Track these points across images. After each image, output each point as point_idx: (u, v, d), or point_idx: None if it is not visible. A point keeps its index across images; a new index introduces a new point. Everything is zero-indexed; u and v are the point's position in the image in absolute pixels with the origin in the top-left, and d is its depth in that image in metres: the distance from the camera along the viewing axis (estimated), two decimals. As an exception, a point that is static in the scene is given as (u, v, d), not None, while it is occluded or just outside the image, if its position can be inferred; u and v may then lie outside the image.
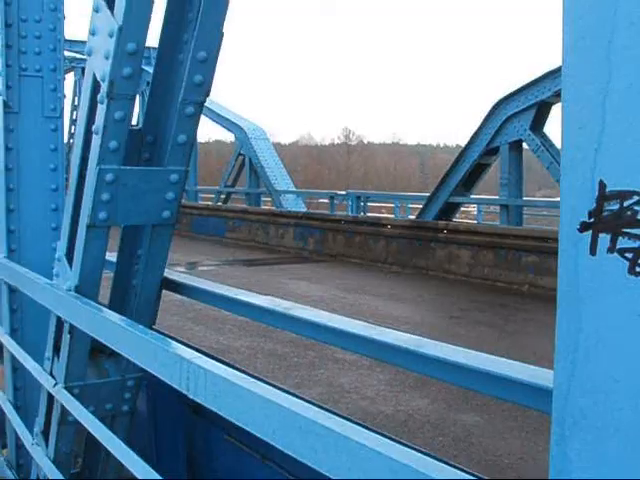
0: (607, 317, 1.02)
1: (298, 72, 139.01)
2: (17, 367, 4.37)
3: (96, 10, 2.81)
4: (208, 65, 2.80)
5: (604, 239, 1.02)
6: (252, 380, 1.81)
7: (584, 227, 1.05)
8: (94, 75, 2.83)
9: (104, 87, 2.70)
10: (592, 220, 1.04)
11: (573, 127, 1.06)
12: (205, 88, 2.83)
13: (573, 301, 1.06)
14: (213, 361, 2.00)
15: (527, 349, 6.22)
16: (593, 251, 1.03)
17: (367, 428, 1.48)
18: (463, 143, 14.26)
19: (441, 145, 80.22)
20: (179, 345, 2.23)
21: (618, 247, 1.01)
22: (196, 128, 2.92)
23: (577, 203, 1.05)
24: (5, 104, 4.34)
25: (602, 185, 1.02)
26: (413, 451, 1.34)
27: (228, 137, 35.42)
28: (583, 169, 1.04)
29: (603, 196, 1.02)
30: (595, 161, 1.03)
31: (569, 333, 1.08)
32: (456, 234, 11.81)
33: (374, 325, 2.58)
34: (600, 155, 1.02)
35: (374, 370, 5.45)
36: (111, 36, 2.65)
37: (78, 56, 23.25)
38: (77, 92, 26.58)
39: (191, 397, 1.98)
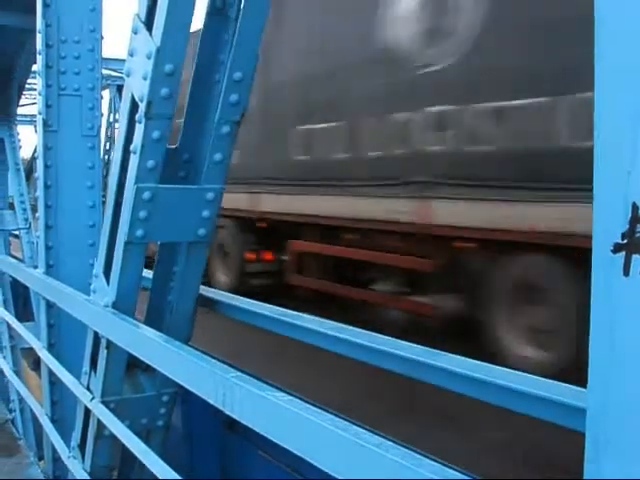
0: (640, 338, 1.03)
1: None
2: (54, 381, 4.42)
3: (135, 32, 2.87)
4: (244, 85, 2.85)
5: (637, 260, 1.03)
6: (288, 397, 1.83)
7: (617, 249, 1.06)
8: (132, 96, 2.89)
9: (142, 107, 2.75)
10: (625, 242, 1.05)
11: (605, 150, 1.08)
12: (241, 107, 2.88)
13: (606, 322, 1.07)
14: (249, 377, 2.03)
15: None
16: (626, 272, 1.04)
17: (408, 447, 1.49)
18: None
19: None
20: (215, 361, 2.26)
21: (651, 268, 1.02)
22: (232, 147, 2.96)
23: (610, 225, 1.06)
24: (45, 123, 4.42)
25: (635, 207, 1.03)
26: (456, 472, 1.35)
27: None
28: (615, 191, 1.05)
29: (636, 218, 1.03)
30: (628, 184, 1.04)
31: (603, 354, 1.09)
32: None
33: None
34: (633, 178, 1.03)
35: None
36: (149, 57, 2.70)
37: (114, 74, 23.48)
38: (112, 109, 26.86)
39: (227, 413, 2.00)
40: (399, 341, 2.68)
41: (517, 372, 2.04)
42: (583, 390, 1.66)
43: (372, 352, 2.70)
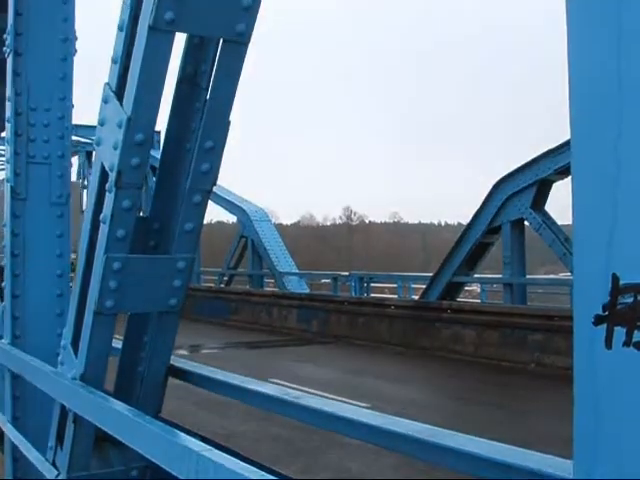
0: (627, 412, 1.00)
1: (297, 152, 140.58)
2: (18, 457, 4.28)
3: (105, 101, 2.86)
4: (215, 154, 2.83)
5: (620, 332, 1.02)
6: (261, 473, 1.77)
7: (598, 320, 1.04)
8: (102, 165, 2.87)
9: (112, 177, 2.72)
10: (606, 313, 1.03)
11: (584, 221, 1.07)
12: (212, 176, 2.86)
13: (591, 396, 1.04)
14: (221, 453, 1.97)
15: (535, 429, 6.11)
16: (609, 345, 1.03)
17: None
18: (464, 221, 14.37)
19: (442, 224, 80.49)
20: (186, 436, 2.19)
21: (634, 340, 1.00)
22: (203, 216, 2.94)
23: (591, 296, 1.05)
24: (13, 191, 4.38)
25: (615, 278, 1.02)
26: None
27: (230, 218, 35.69)
28: (596, 263, 1.04)
29: (617, 289, 1.02)
30: (608, 255, 1.03)
31: (587, 427, 1.06)
32: (461, 314, 11.78)
33: (383, 414, 2.54)
34: (612, 249, 1.03)
35: (381, 454, 5.35)
36: (120, 127, 2.69)
37: (83, 140, 23.59)
38: (81, 175, 26.88)
39: (199, 490, 1.93)
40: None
41: (496, 443, 2.00)
42: (566, 461, 1.63)
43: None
